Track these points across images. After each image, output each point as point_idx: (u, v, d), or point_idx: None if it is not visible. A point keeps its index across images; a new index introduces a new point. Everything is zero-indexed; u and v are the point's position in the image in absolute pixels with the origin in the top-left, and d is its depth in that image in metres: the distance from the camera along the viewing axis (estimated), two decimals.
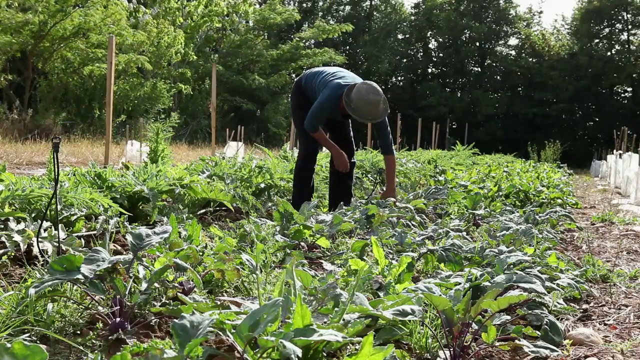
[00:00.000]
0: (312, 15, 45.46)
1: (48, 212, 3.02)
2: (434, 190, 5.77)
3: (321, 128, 4.82)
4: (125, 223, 3.49)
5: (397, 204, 4.77)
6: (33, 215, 3.20)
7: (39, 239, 2.70)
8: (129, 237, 2.18)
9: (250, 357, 1.54)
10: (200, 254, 2.65)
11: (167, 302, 2.21)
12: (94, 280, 1.97)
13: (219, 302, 2.06)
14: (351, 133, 5.21)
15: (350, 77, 4.84)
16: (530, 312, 2.29)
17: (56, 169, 2.53)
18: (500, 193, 6.63)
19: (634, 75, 41.58)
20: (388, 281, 2.42)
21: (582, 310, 2.59)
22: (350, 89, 4.58)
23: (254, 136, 28.33)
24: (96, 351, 1.80)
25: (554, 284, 2.59)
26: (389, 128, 4.97)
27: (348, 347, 1.87)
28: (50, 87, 22.10)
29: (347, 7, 48.33)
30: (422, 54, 47.74)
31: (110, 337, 1.88)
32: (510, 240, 3.60)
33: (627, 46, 43.06)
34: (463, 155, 14.87)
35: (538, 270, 2.62)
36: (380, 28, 46.05)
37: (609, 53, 42.95)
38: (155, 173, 4.39)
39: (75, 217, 3.38)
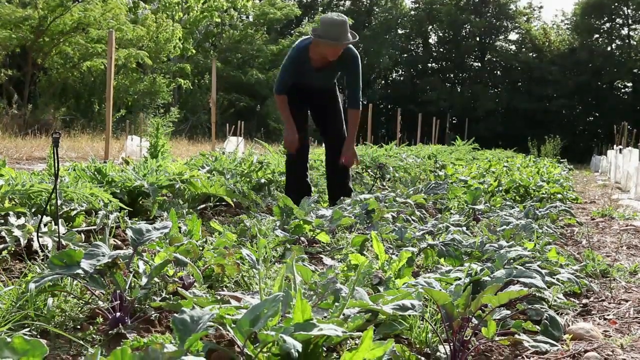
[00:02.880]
0: (313, 10, 45.40)
1: (48, 207, 3.02)
2: (434, 185, 5.77)
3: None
4: (125, 218, 3.49)
5: (397, 199, 4.76)
6: (33, 210, 3.20)
7: (39, 234, 2.70)
8: (129, 232, 2.18)
9: (250, 352, 1.54)
10: (200, 248, 2.65)
11: (167, 296, 2.21)
12: (94, 275, 1.96)
13: (219, 297, 2.06)
14: (342, 124, 5.07)
15: None
16: (530, 306, 2.29)
17: (56, 164, 2.53)
18: (501, 188, 6.63)
19: (634, 71, 41.53)
20: (388, 276, 2.42)
21: (582, 305, 2.59)
22: (315, 28, 4.69)
23: (254, 131, 28.34)
24: (96, 346, 1.80)
25: (554, 278, 2.58)
26: (360, 82, 4.91)
27: (348, 341, 1.87)
28: (50, 82, 22.10)
29: (347, 2, 48.26)
30: (422, 48, 47.69)
31: (110, 332, 1.88)
32: (510, 235, 3.60)
33: (627, 41, 43.00)
34: (463, 150, 14.88)
35: (538, 265, 2.62)
36: (380, 23, 45.97)
37: (609, 48, 42.90)
38: (155, 168, 4.39)
39: (75, 212, 3.37)
